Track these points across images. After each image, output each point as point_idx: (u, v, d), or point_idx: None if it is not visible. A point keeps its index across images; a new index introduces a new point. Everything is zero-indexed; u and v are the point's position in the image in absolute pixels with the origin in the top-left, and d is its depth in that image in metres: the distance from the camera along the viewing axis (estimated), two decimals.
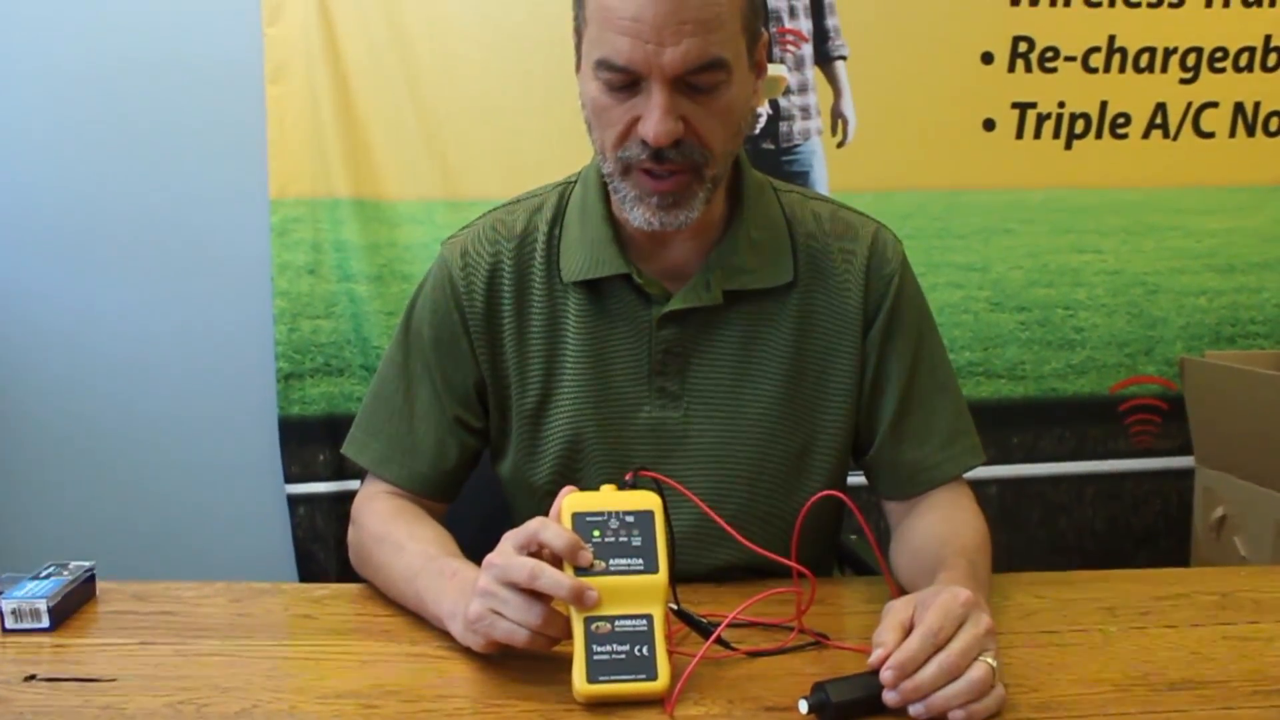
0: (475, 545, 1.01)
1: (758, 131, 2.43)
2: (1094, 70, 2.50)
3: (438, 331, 1.18)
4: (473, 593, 0.90)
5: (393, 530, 1.12)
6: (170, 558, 2.42)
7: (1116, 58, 2.50)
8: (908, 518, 1.18)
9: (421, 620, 1.03)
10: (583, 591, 0.85)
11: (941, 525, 1.13)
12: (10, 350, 2.37)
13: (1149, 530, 2.69)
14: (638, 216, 1.06)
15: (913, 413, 1.18)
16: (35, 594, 1.02)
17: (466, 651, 0.94)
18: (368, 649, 0.99)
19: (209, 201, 2.36)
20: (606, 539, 0.88)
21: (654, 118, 0.99)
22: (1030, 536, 2.65)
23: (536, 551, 0.89)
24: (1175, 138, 2.55)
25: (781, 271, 1.15)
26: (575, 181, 1.20)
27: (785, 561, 0.98)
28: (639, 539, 0.88)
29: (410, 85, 2.33)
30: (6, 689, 0.89)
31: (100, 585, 1.11)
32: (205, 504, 2.45)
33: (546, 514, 0.90)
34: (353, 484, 2.19)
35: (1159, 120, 2.53)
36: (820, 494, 1.03)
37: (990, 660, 0.84)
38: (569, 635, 0.87)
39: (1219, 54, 2.52)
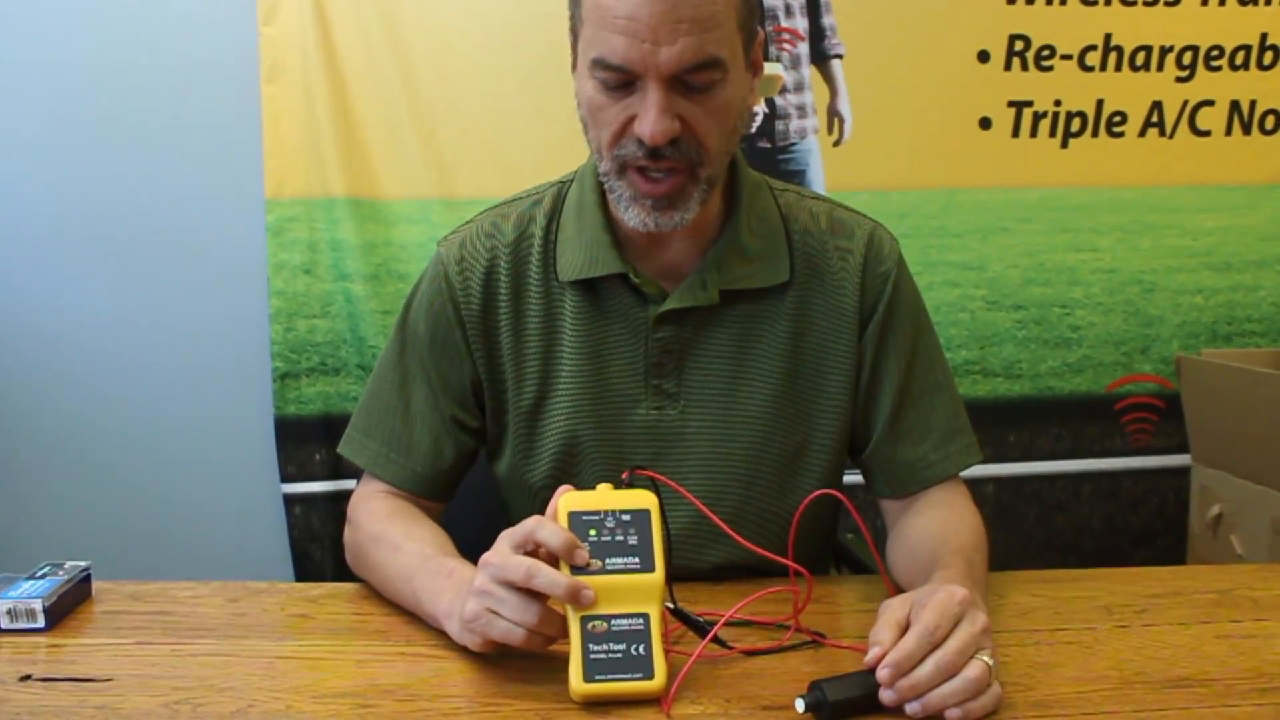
0: (472, 544, 1.01)
1: (754, 130, 2.42)
2: (1090, 69, 2.50)
3: (434, 331, 1.18)
4: (469, 592, 0.90)
5: (389, 530, 1.11)
6: (166, 558, 2.42)
7: (1113, 56, 2.50)
8: (904, 516, 1.18)
9: (418, 619, 1.03)
10: (579, 590, 0.85)
11: (938, 524, 1.13)
12: (5, 350, 2.36)
13: (1146, 528, 2.69)
14: (633, 217, 1.06)
15: (909, 411, 1.18)
16: (31, 594, 1.02)
17: (463, 651, 0.94)
18: (364, 648, 0.99)
19: (204, 201, 2.36)
20: (603, 538, 0.88)
21: (650, 117, 0.99)
22: (1027, 535, 2.65)
23: (533, 550, 0.88)
24: (1171, 136, 2.55)
25: (778, 271, 1.15)
26: (572, 181, 1.20)
27: (782, 560, 0.98)
28: (635, 538, 0.88)
29: (406, 84, 2.33)
30: (2, 689, 0.89)
31: (96, 585, 1.11)
32: (201, 504, 2.45)
33: (543, 513, 0.90)
34: (349, 483, 2.19)
35: (1155, 119, 2.54)
36: (817, 493, 1.02)
37: (987, 658, 0.84)
38: (565, 634, 0.87)
39: (1215, 52, 2.53)
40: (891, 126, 2.46)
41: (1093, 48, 2.49)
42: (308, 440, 2.40)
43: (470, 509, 1.28)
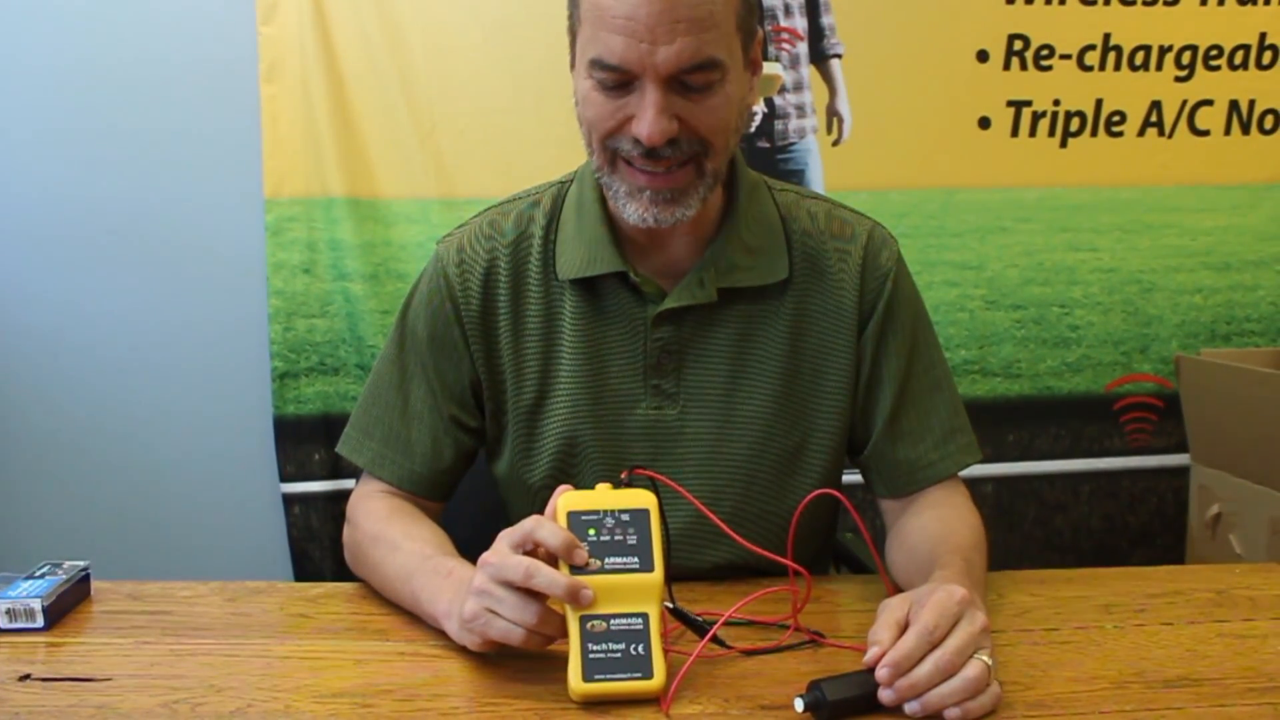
0: (471, 544, 1.01)
1: (753, 129, 2.42)
2: (1089, 68, 2.50)
3: (433, 330, 1.18)
4: (468, 591, 0.90)
5: (388, 529, 1.11)
6: (165, 557, 2.42)
7: (1112, 56, 2.50)
8: (903, 516, 1.18)
9: (417, 619, 1.03)
10: (578, 590, 0.85)
11: (937, 523, 1.13)
12: (4, 349, 2.36)
13: (1144, 528, 2.69)
14: (632, 213, 1.06)
15: (908, 411, 1.18)
16: (30, 593, 1.02)
17: (462, 650, 0.94)
18: (363, 648, 0.99)
19: (204, 201, 2.36)
20: (602, 537, 0.88)
21: (648, 117, 0.99)
22: (1026, 534, 2.65)
23: (532, 550, 0.88)
24: (1170, 136, 2.55)
25: (777, 269, 1.14)
26: (571, 180, 1.20)
27: (781, 560, 0.98)
28: (634, 537, 0.88)
29: (405, 84, 2.33)
30: (1, 689, 0.89)
31: (95, 585, 1.11)
32: (200, 503, 2.44)
33: (542, 513, 0.90)
34: (348, 483, 2.19)
35: (1154, 118, 2.54)
36: (816, 492, 1.02)
37: (985, 658, 0.84)
38: (565, 634, 0.87)
39: (1214, 52, 2.53)
40: (890, 126, 2.46)
41: (1092, 47, 2.49)
42: (307, 440, 2.40)
43: (469, 509, 1.28)
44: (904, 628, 0.85)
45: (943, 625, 0.84)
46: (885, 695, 0.83)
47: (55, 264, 2.35)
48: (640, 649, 0.85)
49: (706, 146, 1.03)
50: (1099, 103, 2.51)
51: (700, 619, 0.95)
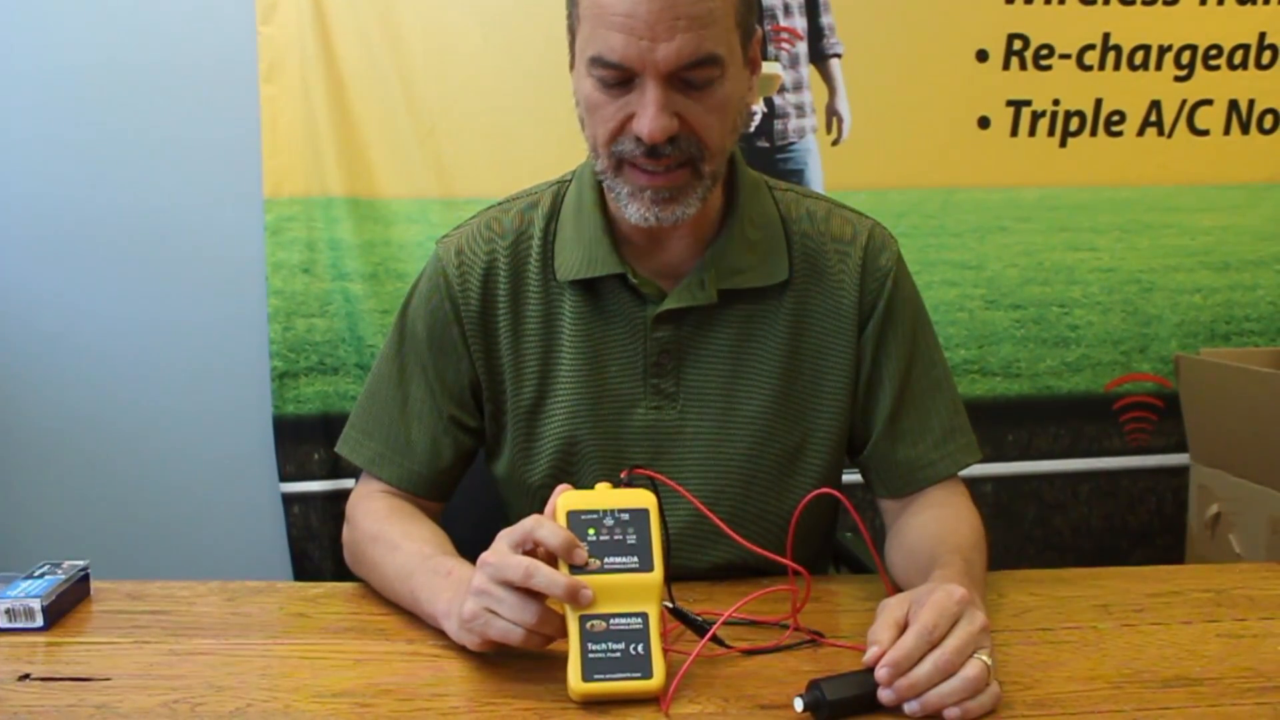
0: (470, 544, 1.01)
1: (753, 129, 2.42)
2: (1089, 68, 2.50)
3: (432, 330, 1.18)
4: (468, 591, 0.90)
5: (387, 529, 1.11)
6: (165, 557, 2.42)
7: (1111, 55, 2.50)
8: (903, 516, 1.18)
9: (416, 619, 1.03)
10: (578, 590, 0.85)
11: (936, 523, 1.13)
12: (4, 349, 2.36)
13: (1144, 527, 2.69)
14: (634, 213, 1.06)
15: (908, 411, 1.18)
16: (29, 593, 1.02)
17: (462, 650, 0.94)
18: (363, 648, 0.99)
19: (203, 200, 2.36)
20: (601, 537, 0.88)
21: (648, 114, 0.99)
22: (1025, 534, 2.65)
23: (532, 550, 0.88)
24: (1170, 135, 2.55)
25: (777, 270, 1.15)
26: (570, 180, 1.20)
27: (780, 560, 0.98)
28: (634, 537, 0.88)
29: (404, 84, 2.33)
30: (0, 689, 0.89)
31: (95, 584, 1.11)
32: (200, 503, 2.44)
33: (542, 513, 0.90)
34: (347, 483, 2.19)
35: (1154, 118, 2.54)
36: (815, 492, 1.02)
37: (985, 658, 0.84)
38: (564, 634, 0.87)
39: (1213, 51, 2.53)
40: (890, 126, 2.46)
41: (1091, 47, 2.49)
42: (306, 439, 2.40)
43: (469, 508, 1.28)
44: (904, 627, 0.85)
45: (942, 625, 0.84)
46: (885, 695, 0.83)
47: (55, 264, 2.35)
48: (640, 649, 0.85)
49: (703, 149, 1.03)
50: (1098, 102, 2.51)
51: (700, 619, 0.95)
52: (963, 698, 0.82)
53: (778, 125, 2.44)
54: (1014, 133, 2.50)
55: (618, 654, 0.85)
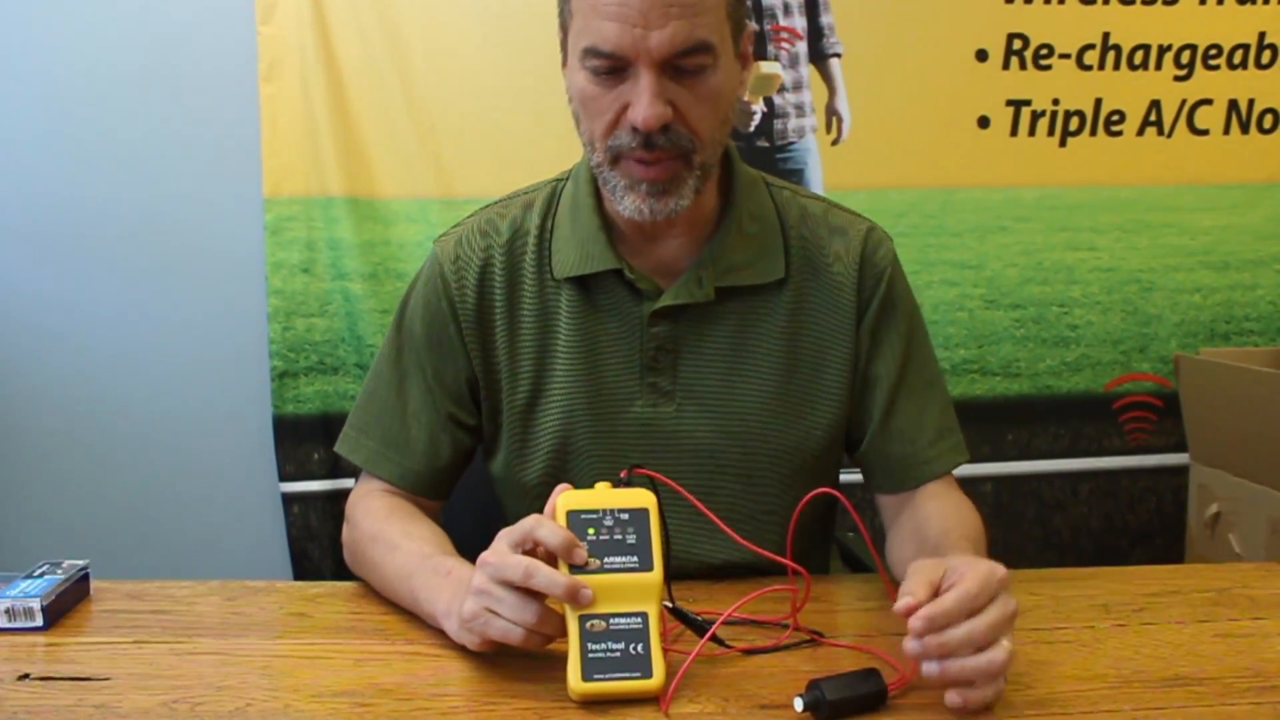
0: (470, 543, 1.01)
1: (752, 129, 2.42)
2: (1088, 67, 2.50)
3: (430, 329, 1.18)
4: (467, 591, 0.90)
5: (387, 529, 1.11)
6: (165, 556, 2.42)
7: (1111, 55, 2.50)
8: (903, 512, 1.18)
9: (416, 619, 1.03)
10: (578, 589, 0.85)
11: (941, 515, 1.13)
12: (4, 348, 2.36)
13: (1144, 527, 2.69)
14: (628, 206, 1.06)
15: (903, 407, 1.18)
16: (29, 593, 1.02)
17: (461, 650, 0.94)
18: (362, 647, 0.99)
19: (203, 200, 2.36)
20: (601, 537, 0.88)
21: (643, 101, 0.99)
22: (1025, 534, 2.65)
23: (531, 549, 0.88)
24: (1170, 135, 2.55)
25: (774, 268, 1.15)
26: (567, 178, 1.20)
27: (780, 559, 0.98)
28: (634, 537, 0.88)
29: (404, 83, 2.33)
30: (0, 688, 0.89)
31: (94, 584, 1.11)
32: (200, 503, 2.44)
33: (538, 512, 0.90)
34: (347, 482, 2.19)
35: (1153, 118, 2.54)
36: (815, 491, 1.02)
37: (1008, 645, 0.82)
38: (564, 633, 0.87)
39: (1213, 51, 2.53)
40: (890, 125, 2.46)
41: (1091, 47, 2.49)
42: (306, 439, 2.40)
43: (468, 508, 1.28)
44: (937, 590, 0.83)
45: (982, 598, 0.82)
46: (912, 647, 0.81)
47: (55, 263, 2.35)
48: (639, 648, 0.85)
49: (695, 140, 1.04)
50: (1098, 102, 2.51)
51: (699, 618, 0.95)
52: (979, 678, 0.81)
53: (777, 125, 2.44)
54: (1014, 132, 2.50)
55: (617, 654, 0.85)
